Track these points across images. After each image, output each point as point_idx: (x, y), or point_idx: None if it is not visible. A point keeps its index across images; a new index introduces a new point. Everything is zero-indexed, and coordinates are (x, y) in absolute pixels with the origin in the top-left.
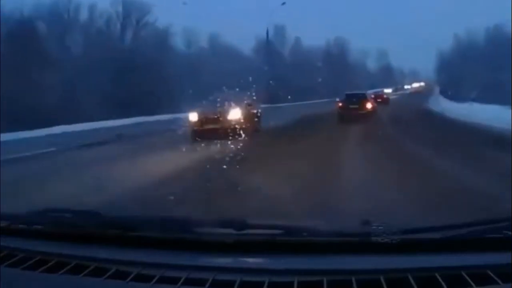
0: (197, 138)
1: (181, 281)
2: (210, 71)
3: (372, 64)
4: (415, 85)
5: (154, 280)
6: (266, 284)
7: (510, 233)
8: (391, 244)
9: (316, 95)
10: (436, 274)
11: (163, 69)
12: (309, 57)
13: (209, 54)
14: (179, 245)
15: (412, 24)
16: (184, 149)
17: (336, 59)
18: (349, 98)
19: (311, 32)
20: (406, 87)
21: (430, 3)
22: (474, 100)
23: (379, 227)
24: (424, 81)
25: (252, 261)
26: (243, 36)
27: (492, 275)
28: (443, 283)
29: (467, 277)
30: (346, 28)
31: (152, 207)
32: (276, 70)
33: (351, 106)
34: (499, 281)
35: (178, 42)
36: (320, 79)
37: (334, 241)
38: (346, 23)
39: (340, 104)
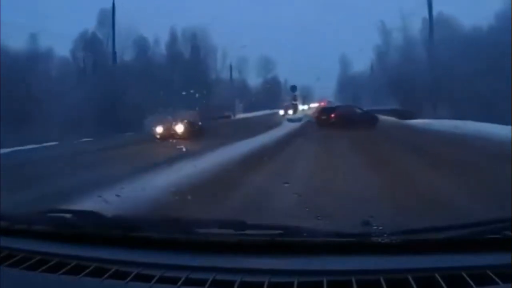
0: None
1: (181, 281)
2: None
3: (252, 78)
4: (324, 103)
5: (154, 280)
6: (266, 284)
7: (510, 233)
8: (391, 244)
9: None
10: (436, 275)
11: None
12: (152, 60)
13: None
14: (179, 245)
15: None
16: None
17: (187, 63)
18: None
19: (153, 20)
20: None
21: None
22: None
23: (379, 228)
24: (324, 100)
25: (252, 261)
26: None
27: (492, 275)
28: (443, 284)
29: (467, 277)
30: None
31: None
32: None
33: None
34: (499, 281)
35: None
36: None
37: (334, 241)
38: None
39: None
